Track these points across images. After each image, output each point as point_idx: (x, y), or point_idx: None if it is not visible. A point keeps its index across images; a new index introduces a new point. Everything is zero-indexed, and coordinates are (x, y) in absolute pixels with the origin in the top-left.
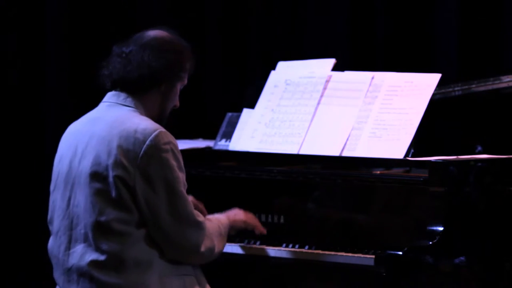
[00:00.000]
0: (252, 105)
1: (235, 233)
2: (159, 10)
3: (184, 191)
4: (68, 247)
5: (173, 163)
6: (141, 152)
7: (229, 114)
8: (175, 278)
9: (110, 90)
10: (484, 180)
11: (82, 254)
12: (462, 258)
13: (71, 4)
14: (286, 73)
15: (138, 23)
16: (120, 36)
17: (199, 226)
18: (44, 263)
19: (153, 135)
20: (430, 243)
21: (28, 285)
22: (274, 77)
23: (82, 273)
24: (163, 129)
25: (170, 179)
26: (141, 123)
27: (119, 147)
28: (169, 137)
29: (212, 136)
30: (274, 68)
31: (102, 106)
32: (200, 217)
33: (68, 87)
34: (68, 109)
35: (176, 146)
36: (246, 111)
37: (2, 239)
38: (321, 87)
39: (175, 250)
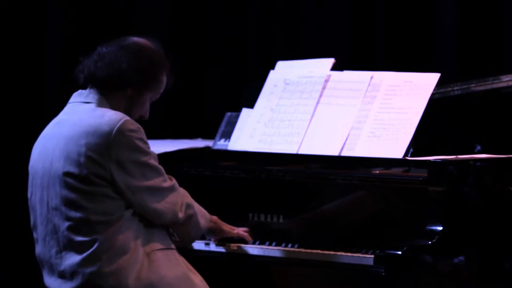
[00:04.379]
0: (251, 105)
1: (220, 238)
2: (159, 10)
3: (157, 163)
4: (59, 250)
5: (142, 146)
6: (110, 143)
7: (228, 113)
8: (159, 252)
9: (84, 85)
10: (484, 179)
11: (72, 255)
12: (461, 258)
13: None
14: (285, 73)
15: (139, 23)
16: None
17: (174, 188)
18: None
19: (118, 124)
20: (430, 242)
21: None
22: (273, 76)
23: (75, 271)
24: (127, 117)
25: (142, 160)
26: (104, 115)
27: (88, 144)
28: (135, 124)
29: (211, 136)
30: (273, 68)
31: (67, 107)
32: (172, 180)
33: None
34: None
35: (142, 132)
36: (245, 111)
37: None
38: (320, 87)
39: (163, 220)
